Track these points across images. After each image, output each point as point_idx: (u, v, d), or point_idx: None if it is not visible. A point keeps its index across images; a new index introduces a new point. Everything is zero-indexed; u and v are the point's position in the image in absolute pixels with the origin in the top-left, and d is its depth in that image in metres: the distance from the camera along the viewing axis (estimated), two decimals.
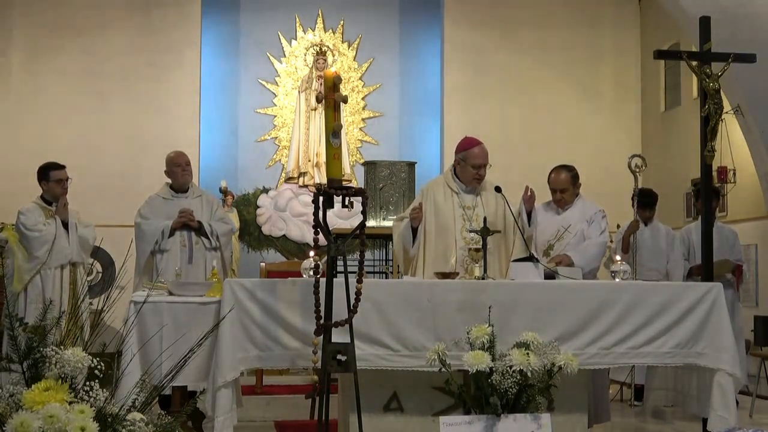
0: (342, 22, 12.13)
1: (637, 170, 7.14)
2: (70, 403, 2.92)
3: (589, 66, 12.06)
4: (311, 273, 4.35)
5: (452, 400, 4.44)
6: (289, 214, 11.39)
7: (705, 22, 6.35)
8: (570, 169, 6.14)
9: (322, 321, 4.10)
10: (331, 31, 12.14)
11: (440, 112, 11.90)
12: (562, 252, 5.85)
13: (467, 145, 5.61)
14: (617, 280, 5.03)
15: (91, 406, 2.92)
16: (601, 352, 4.72)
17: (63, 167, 6.94)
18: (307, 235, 10.91)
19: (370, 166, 9.52)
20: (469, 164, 5.53)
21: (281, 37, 12.03)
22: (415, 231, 5.47)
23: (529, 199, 5.47)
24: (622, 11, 12.24)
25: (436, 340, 4.41)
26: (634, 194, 7.41)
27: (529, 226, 5.53)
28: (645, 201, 7.67)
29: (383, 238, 9.51)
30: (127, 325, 4.29)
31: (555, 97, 11.87)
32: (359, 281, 4.12)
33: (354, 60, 12.17)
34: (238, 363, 4.42)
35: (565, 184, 6.07)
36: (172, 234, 6.46)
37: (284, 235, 11.46)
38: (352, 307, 4.14)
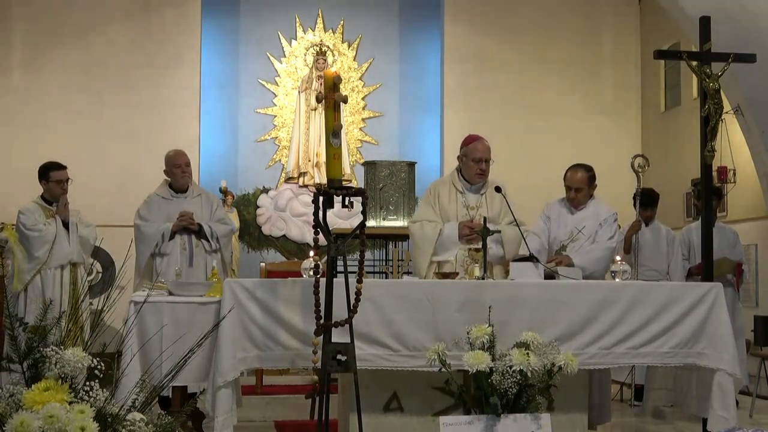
0: (342, 22, 12.12)
1: (640, 170, 7.13)
2: (70, 403, 2.92)
3: (589, 66, 12.05)
4: (311, 273, 4.35)
5: (452, 400, 4.44)
6: (289, 214, 11.38)
7: (705, 22, 6.35)
8: (588, 169, 6.08)
9: (322, 321, 4.10)
10: (331, 31, 12.14)
11: (440, 112, 11.89)
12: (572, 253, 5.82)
13: (468, 141, 5.69)
14: (617, 280, 5.03)
15: (91, 406, 2.92)
16: (601, 352, 4.73)
17: (64, 168, 6.92)
18: (307, 235, 10.90)
19: (370, 166, 9.52)
20: (470, 159, 5.56)
21: (281, 37, 12.02)
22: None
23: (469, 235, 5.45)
24: (622, 11, 12.23)
25: (436, 340, 4.41)
26: (636, 194, 7.40)
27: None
28: (647, 199, 7.65)
29: (383, 238, 9.51)
30: (127, 325, 4.29)
31: (555, 97, 11.86)
32: (359, 281, 4.12)
33: (354, 60, 12.17)
34: (238, 363, 4.43)
35: (581, 184, 6.00)
36: (172, 237, 6.45)
37: (284, 235, 11.45)
38: (352, 307, 4.14)
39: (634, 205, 7.48)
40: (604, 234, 5.94)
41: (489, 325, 4.32)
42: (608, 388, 5.99)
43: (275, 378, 8.44)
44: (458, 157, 5.71)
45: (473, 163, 5.55)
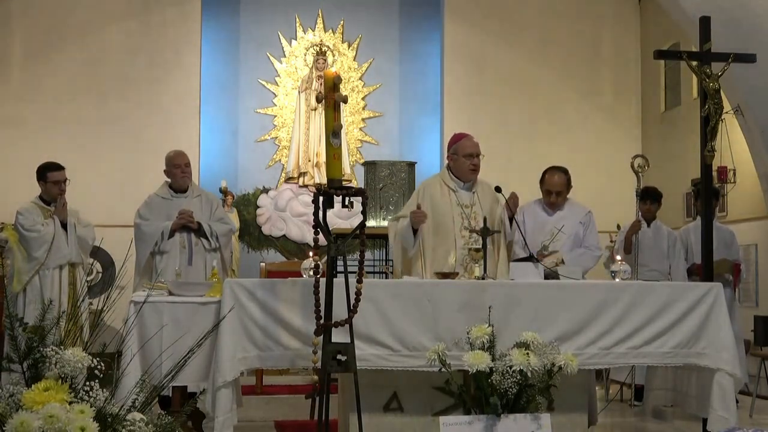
0: (342, 22, 12.13)
1: (640, 170, 7.14)
2: (70, 403, 2.92)
3: (589, 66, 12.06)
4: (311, 273, 4.35)
5: (452, 400, 4.44)
6: (289, 214, 11.39)
7: (705, 22, 6.36)
8: (565, 172, 6.17)
9: (322, 321, 4.10)
10: (331, 31, 12.14)
11: (440, 112, 11.90)
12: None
13: (457, 138, 5.69)
14: (617, 280, 5.03)
15: (91, 406, 2.92)
16: (601, 352, 4.72)
17: (62, 168, 6.90)
18: (307, 235, 10.91)
19: (370, 166, 9.52)
20: (461, 155, 5.56)
21: (281, 37, 12.02)
22: (415, 231, 5.47)
23: (513, 204, 5.45)
24: (621, 11, 12.24)
25: (436, 340, 4.41)
26: (637, 194, 7.41)
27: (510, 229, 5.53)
28: (648, 194, 7.64)
29: (383, 238, 9.46)
30: (127, 325, 4.29)
31: (555, 97, 11.87)
32: (359, 281, 4.12)
33: (354, 60, 12.17)
34: (238, 363, 4.43)
35: (561, 187, 6.10)
36: (171, 235, 6.45)
37: (284, 235, 11.46)
38: (352, 307, 4.14)
39: (636, 205, 7.48)
40: (591, 238, 6.04)
41: (489, 325, 4.32)
42: (593, 390, 5.96)
43: (275, 378, 8.45)
44: (448, 156, 5.71)
45: (465, 158, 5.55)
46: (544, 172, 6.19)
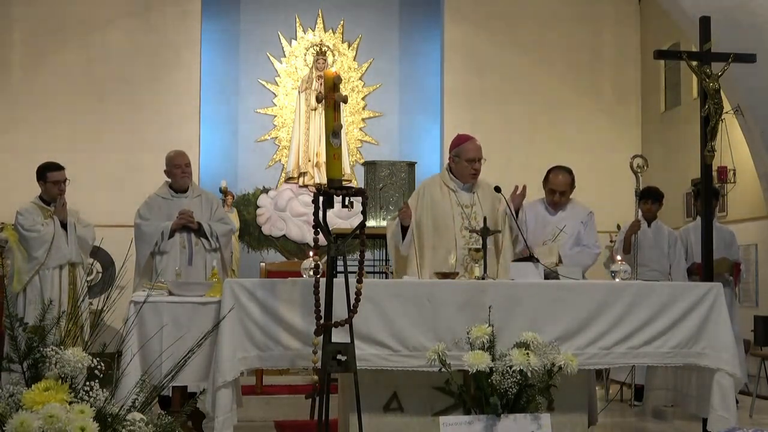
0: (342, 22, 12.13)
1: (639, 170, 7.14)
2: (70, 403, 2.92)
3: (589, 66, 12.06)
4: (311, 273, 4.35)
5: (452, 400, 4.44)
6: (289, 214, 11.40)
7: (705, 22, 6.36)
8: (569, 172, 6.17)
9: (322, 321, 4.10)
10: (331, 31, 12.14)
11: (440, 112, 11.90)
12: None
13: (460, 141, 5.68)
14: (617, 280, 5.03)
15: (91, 406, 2.92)
16: (601, 352, 4.73)
17: (61, 168, 6.89)
18: (307, 235, 10.91)
19: (370, 166, 9.52)
20: (464, 159, 5.57)
21: (281, 37, 12.03)
22: (405, 229, 5.49)
23: (519, 196, 5.48)
24: (622, 11, 12.24)
25: (436, 340, 4.41)
26: (637, 194, 7.41)
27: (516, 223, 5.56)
28: (649, 193, 7.65)
29: (383, 238, 9.46)
30: (127, 325, 4.29)
31: (555, 97, 11.87)
32: (359, 281, 4.12)
33: (354, 60, 12.17)
34: (238, 363, 4.43)
35: (566, 186, 6.10)
36: (171, 235, 6.45)
37: (284, 235, 11.47)
38: (352, 307, 4.14)
39: (636, 205, 7.49)
40: (590, 237, 6.06)
41: (489, 325, 4.32)
42: (594, 391, 5.96)
43: (275, 378, 8.44)
44: (450, 157, 5.72)
45: (467, 163, 5.57)
46: (549, 172, 6.19)
